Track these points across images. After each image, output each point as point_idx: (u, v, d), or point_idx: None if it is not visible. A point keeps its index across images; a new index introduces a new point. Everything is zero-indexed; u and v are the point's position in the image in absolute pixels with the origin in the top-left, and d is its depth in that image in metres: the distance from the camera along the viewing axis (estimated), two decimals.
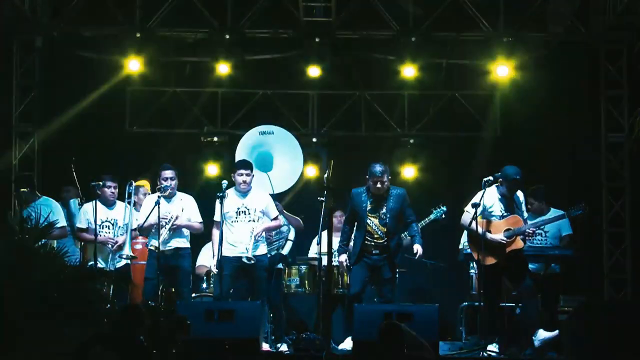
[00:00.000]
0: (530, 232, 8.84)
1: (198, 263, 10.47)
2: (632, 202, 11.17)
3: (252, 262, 9.12)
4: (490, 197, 8.86)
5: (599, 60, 11.48)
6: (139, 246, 9.93)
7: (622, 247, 11.29)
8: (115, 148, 11.40)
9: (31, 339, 5.85)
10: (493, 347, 8.75)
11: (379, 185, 8.95)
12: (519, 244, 8.78)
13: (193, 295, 9.76)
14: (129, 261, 9.63)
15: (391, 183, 9.16)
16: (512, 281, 9.00)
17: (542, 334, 8.85)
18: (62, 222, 9.55)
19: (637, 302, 10.55)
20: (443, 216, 9.95)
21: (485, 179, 9.18)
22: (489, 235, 8.80)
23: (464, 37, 11.62)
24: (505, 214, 8.86)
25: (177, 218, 9.37)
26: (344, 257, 9.15)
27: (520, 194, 8.95)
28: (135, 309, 6.84)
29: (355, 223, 9.17)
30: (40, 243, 7.16)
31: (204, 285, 9.94)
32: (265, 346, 9.04)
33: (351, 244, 9.57)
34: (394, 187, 9.14)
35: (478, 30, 11.49)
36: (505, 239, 8.77)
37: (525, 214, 9.01)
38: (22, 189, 9.50)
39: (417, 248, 9.00)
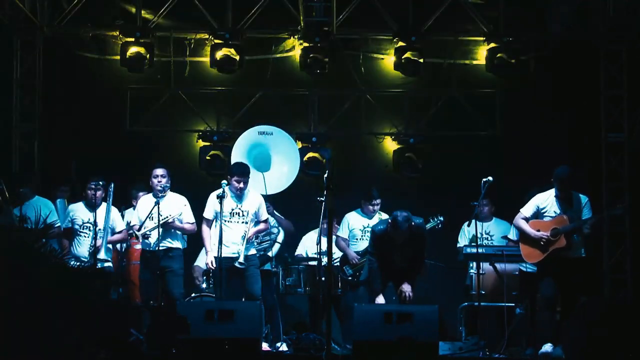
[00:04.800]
0: (578, 229, 8.93)
1: (197, 263, 10.47)
2: (632, 202, 11.16)
3: (244, 266, 9.18)
4: (546, 199, 9.08)
5: (599, 60, 11.48)
6: (138, 246, 9.92)
7: (622, 247, 11.29)
8: (115, 148, 11.39)
9: (30, 339, 5.84)
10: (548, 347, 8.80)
11: (400, 233, 9.02)
12: (561, 242, 8.88)
13: (193, 295, 9.76)
14: (109, 264, 9.60)
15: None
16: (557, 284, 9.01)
17: (547, 348, 8.83)
18: (58, 222, 9.56)
19: (636, 302, 10.57)
20: (439, 226, 9.98)
21: (484, 180, 9.21)
22: (532, 232, 8.98)
23: (464, 37, 11.64)
24: (558, 214, 9.02)
25: (172, 217, 9.38)
26: (381, 299, 9.17)
27: (583, 196, 9.08)
28: (125, 308, 6.85)
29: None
30: (40, 243, 7.16)
31: (204, 286, 9.93)
32: (265, 346, 9.05)
33: (345, 242, 9.71)
34: (415, 217, 9.16)
35: (478, 30, 11.50)
36: (546, 235, 8.89)
37: (586, 214, 9.02)
38: (21, 189, 9.51)
39: (405, 289, 9.11)
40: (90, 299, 6.35)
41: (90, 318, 6.22)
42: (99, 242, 9.54)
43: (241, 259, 9.16)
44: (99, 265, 9.48)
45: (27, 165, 11.26)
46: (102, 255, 9.47)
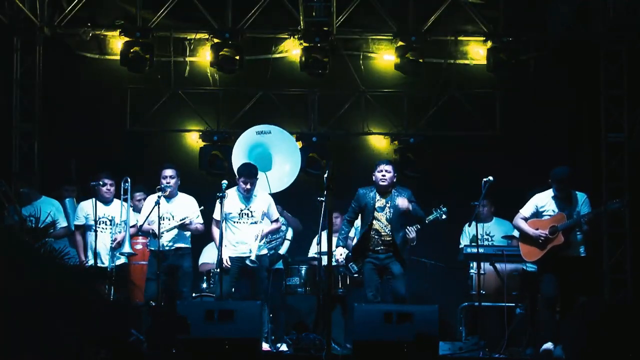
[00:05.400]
0: (576, 224, 8.96)
1: (200, 262, 10.49)
2: (632, 202, 11.16)
3: (256, 264, 9.18)
4: (544, 198, 9.13)
5: (599, 60, 11.48)
6: (139, 246, 9.93)
7: (622, 247, 11.29)
8: (115, 148, 11.39)
9: (30, 339, 5.84)
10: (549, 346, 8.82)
11: (383, 173, 8.99)
12: (559, 239, 8.91)
13: (193, 295, 9.77)
14: (126, 259, 9.64)
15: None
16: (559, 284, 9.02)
17: (548, 346, 8.84)
18: (63, 222, 9.61)
19: (636, 302, 10.57)
20: (443, 217, 9.92)
21: (484, 180, 9.22)
22: (531, 230, 9.02)
23: (464, 37, 11.64)
24: (557, 212, 9.06)
25: (189, 219, 9.42)
26: (340, 250, 9.13)
27: (581, 194, 9.12)
28: (125, 308, 6.86)
29: (360, 221, 9.19)
30: (40, 243, 7.16)
31: (204, 285, 9.94)
32: (265, 346, 9.05)
33: (350, 240, 9.60)
34: (401, 187, 9.17)
35: (478, 30, 11.51)
36: (544, 233, 8.93)
37: (584, 210, 9.04)
38: (21, 189, 9.51)
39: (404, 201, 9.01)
40: (90, 299, 6.35)
41: (90, 318, 6.22)
42: (121, 236, 9.57)
43: (252, 257, 9.18)
44: (124, 260, 9.59)
45: (27, 165, 11.26)
46: (126, 248, 9.49)
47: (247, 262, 9.17)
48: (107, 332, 6.54)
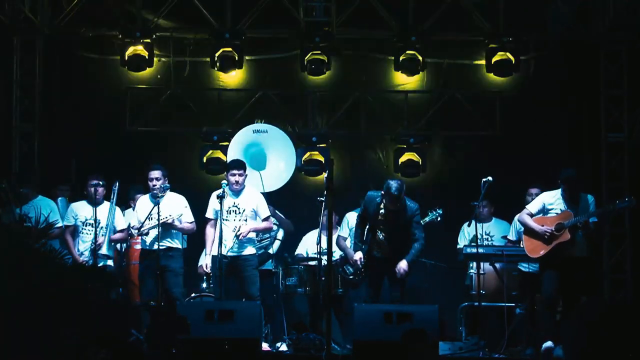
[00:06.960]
0: (582, 224, 8.92)
1: (200, 264, 10.47)
2: None
3: (225, 261, 9.10)
4: (553, 196, 9.13)
5: (599, 60, 11.48)
6: (139, 246, 9.91)
7: (622, 247, 11.29)
8: (115, 148, 11.39)
9: (30, 339, 5.85)
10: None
11: (392, 205, 8.94)
12: (565, 236, 8.90)
13: (193, 295, 9.76)
14: (108, 262, 9.62)
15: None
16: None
17: (548, 344, 8.83)
18: (59, 222, 9.60)
19: (636, 302, 10.57)
20: (439, 219, 9.94)
21: (484, 180, 9.22)
22: (537, 226, 9.01)
23: (463, 37, 11.64)
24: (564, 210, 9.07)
25: (171, 218, 9.37)
26: (359, 255, 9.14)
27: (590, 196, 9.14)
28: (125, 308, 6.86)
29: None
30: (40, 243, 7.16)
31: (204, 285, 9.93)
32: (265, 346, 9.05)
33: (344, 241, 9.62)
34: (409, 200, 9.11)
35: (478, 30, 11.51)
36: (550, 230, 8.92)
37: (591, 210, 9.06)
38: (22, 189, 9.51)
39: (400, 265, 8.95)
40: (90, 299, 6.35)
41: (90, 318, 6.23)
42: (101, 238, 9.58)
43: (223, 251, 9.07)
44: (100, 262, 9.53)
45: (27, 165, 11.26)
46: (104, 250, 9.50)
47: (226, 253, 9.13)
48: (107, 332, 6.54)
